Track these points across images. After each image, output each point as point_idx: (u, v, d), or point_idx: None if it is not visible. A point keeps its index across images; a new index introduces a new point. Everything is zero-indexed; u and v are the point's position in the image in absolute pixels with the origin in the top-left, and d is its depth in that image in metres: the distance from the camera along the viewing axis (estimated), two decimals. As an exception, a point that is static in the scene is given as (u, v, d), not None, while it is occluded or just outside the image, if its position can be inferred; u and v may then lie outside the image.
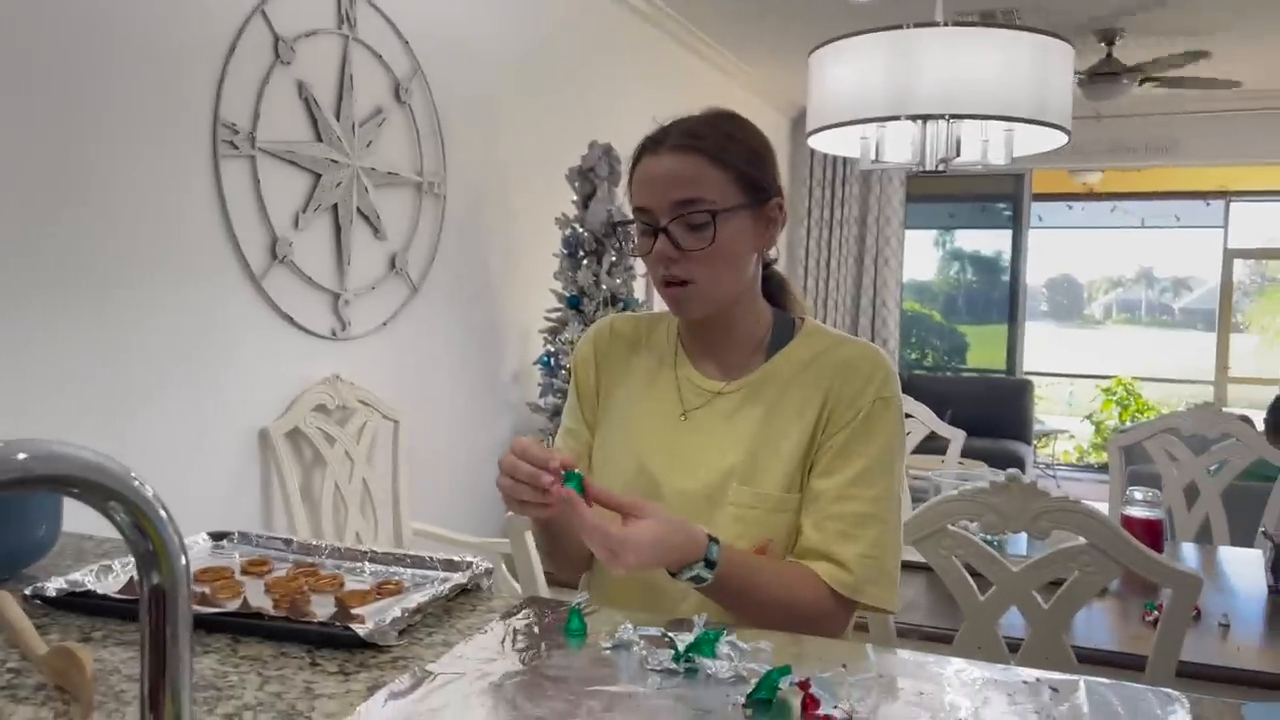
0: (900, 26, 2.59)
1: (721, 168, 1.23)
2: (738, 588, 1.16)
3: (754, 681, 0.89)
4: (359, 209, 2.97)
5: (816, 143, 2.99)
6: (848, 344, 1.31)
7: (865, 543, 1.22)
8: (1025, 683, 0.94)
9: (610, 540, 1.07)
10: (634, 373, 1.38)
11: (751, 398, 1.29)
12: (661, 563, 1.11)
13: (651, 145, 1.26)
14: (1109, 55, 5.08)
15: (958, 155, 2.73)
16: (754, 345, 1.32)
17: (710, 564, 1.13)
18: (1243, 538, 2.91)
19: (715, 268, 1.24)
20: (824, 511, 1.23)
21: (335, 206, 2.89)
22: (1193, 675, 1.68)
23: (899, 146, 2.90)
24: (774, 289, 1.37)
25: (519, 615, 1.10)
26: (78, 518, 1.30)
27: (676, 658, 0.95)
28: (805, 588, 1.20)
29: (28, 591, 1.09)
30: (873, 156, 2.88)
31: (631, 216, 1.28)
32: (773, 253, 1.35)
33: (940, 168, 2.73)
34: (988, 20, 4.17)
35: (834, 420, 1.25)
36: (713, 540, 1.14)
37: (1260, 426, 3.42)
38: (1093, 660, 1.74)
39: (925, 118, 2.67)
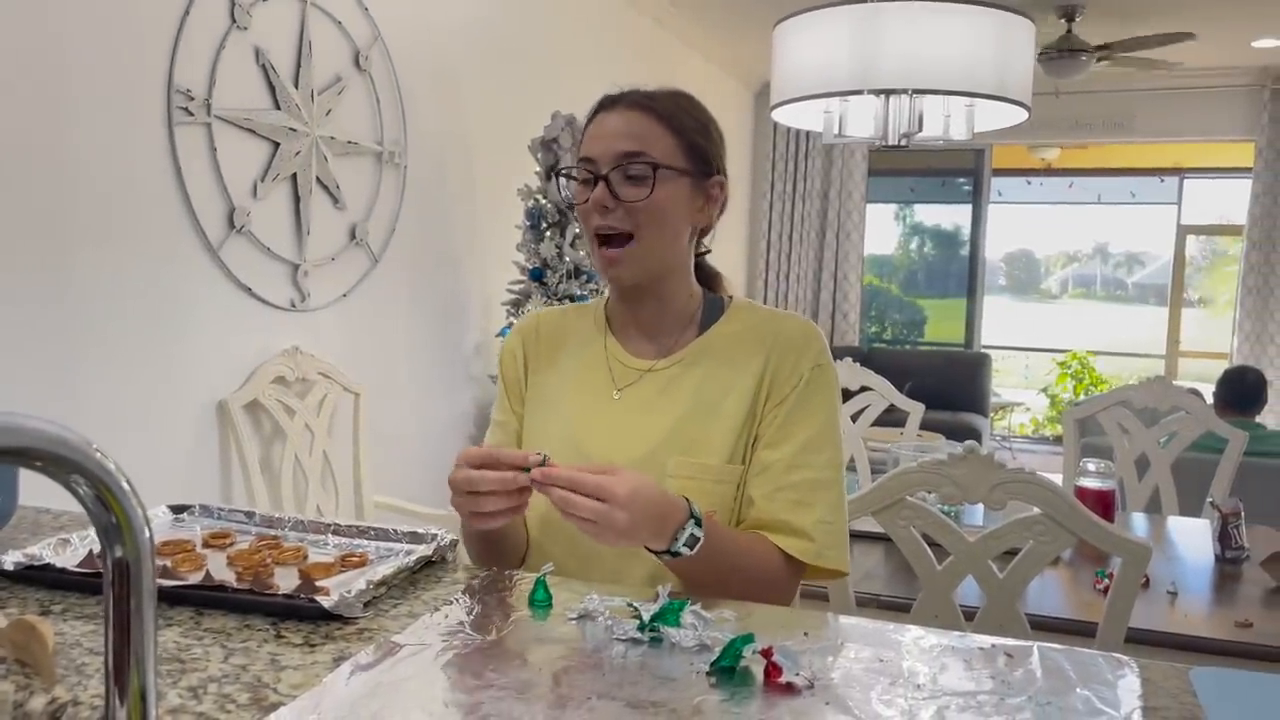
0: (865, 0, 2.59)
1: (670, 131, 1.26)
2: (709, 554, 1.14)
3: (718, 650, 0.90)
4: (318, 179, 2.93)
5: (780, 116, 2.99)
6: (780, 317, 1.33)
7: (822, 508, 1.24)
8: (981, 649, 0.96)
9: (599, 488, 1.03)
10: (563, 360, 1.38)
11: (685, 372, 1.30)
12: (646, 520, 1.07)
13: (608, 103, 1.29)
14: (1069, 32, 5.12)
15: (920, 130, 2.74)
16: (685, 321, 1.34)
17: (698, 520, 1.11)
18: (1191, 508, 2.98)
19: (649, 225, 1.24)
20: (776, 482, 1.24)
21: (294, 176, 2.85)
22: (1141, 641, 1.73)
23: (862, 121, 2.91)
24: (706, 277, 1.38)
25: (484, 587, 1.11)
26: (33, 491, 1.28)
27: (641, 627, 0.96)
28: (763, 556, 1.21)
29: (-16, 565, 1.07)
30: (836, 130, 2.89)
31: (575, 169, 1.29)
32: (707, 240, 1.36)
33: (903, 142, 2.75)
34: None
35: (775, 391, 1.27)
36: (685, 498, 1.13)
37: (1209, 400, 3.51)
38: (1045, 627, 1.78)
39: (888, 92, 2.69)
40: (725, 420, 1.26)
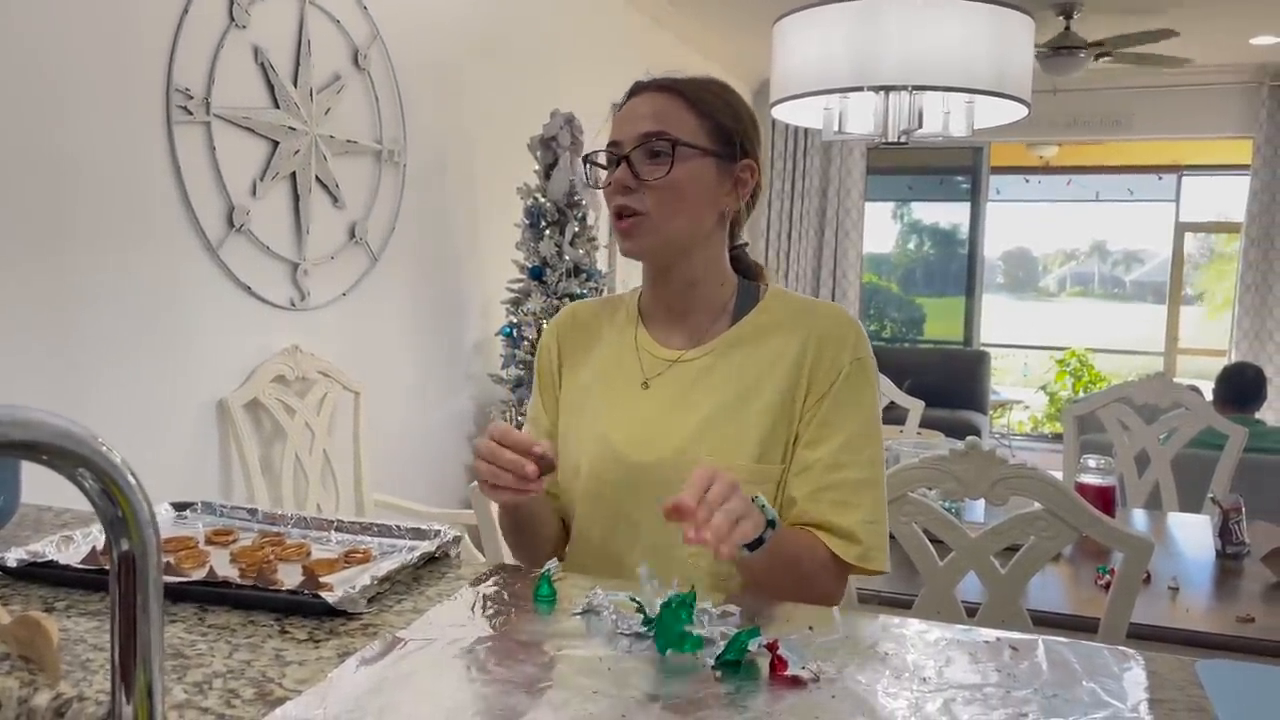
0: (864, -4, 2.59)
1: (695, 112, 1.24)
2: (776, 543, 1.10)
3: (723, 644, 0.90)
4: (317, 177, 2.93)
5: (780, 113, 2.99)
6: (816, 307, 1.30)
7: (865, 508, 1.21)
8: (986, 642, 0.96)
9: (705, 477, 1.01)
10: (596, 352, 1.36)
11: (717, 364, 1.27)
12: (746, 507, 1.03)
13: (636, 89, 1.28)
14: (1067, 29, 5.12)
15: (920, 126, 2.74)
16: (718, 310, 1.30)
17: (771, 522, 1.08)
18: (1191, 504, 2.98)
19: (669, 203, 1.23)
20: (817, 482, 1.21)
21: (293, 175, 2.85)
22: (1143, 636, 1.73)
23: (861, 118, 2.91)
24: (746, 269, 1.36)
25: (488, 582, 1.11)
26: (34, 489, 1.28)
27: (646, 622, 0.96)
28: (816, 548, 1.20)
29: (-13, 563, 1.07)
30: (836, 127, 2.89)
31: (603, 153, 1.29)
32: (743, 235, 1.35)
33: (903, 139, 2.75)
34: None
35: (814, 387, 1.23)
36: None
37: (1209, 396, 3.51)
38: (1047, 623, 1.78)
39: (888, 89, 2.69)
40: (757, 417, 1.23)
